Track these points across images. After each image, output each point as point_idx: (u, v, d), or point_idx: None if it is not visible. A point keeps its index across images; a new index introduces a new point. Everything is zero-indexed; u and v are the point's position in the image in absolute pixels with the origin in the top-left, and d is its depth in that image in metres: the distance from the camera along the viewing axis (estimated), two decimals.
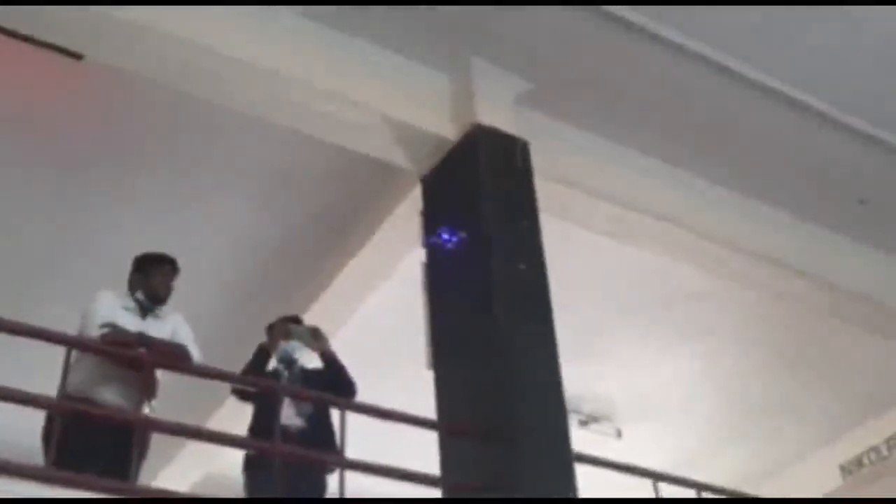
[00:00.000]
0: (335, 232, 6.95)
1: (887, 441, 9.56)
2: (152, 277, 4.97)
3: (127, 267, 5.10)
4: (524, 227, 5.76)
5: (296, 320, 5.62)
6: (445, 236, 5.63)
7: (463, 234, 5.52)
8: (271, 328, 5.53)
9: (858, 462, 9.75)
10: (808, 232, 7.45)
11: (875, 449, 9.64)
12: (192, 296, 5.47)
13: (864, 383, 9.06)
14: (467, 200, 5.84)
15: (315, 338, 5.49)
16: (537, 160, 6.03)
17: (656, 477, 5.46)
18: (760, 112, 6.47)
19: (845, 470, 9.81)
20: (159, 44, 5.34)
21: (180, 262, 5.10)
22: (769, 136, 6.73)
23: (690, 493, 5.61)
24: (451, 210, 5.93)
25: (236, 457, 5.36)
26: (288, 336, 5.49)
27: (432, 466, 5.00)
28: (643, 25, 5.85)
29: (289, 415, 5.05)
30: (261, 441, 4.90)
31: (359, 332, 7.09)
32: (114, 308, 4.76)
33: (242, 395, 5.35)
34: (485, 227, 5.63)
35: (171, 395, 4.95)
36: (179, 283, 5.10)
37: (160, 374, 4.84)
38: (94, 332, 4.60)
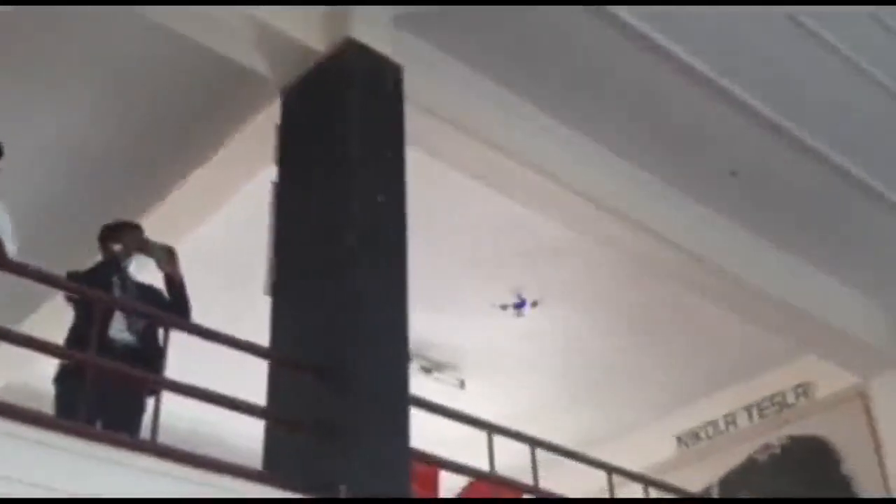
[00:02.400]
0: (178, 140, 6.77)
1: (725, 417, 10.14)
2: None
3: None
4: (388, 158, 5.76)
5: (137, 227, 5.53)
6: None
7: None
8: (112, 233, 5.41)
9: (695, 435, 10.31)
10: (679, 200, 7.73)
11: (713, 423, 10.22)
12: (11, 197, 5.26)
13: (710, 357, 9.55)
14: (329, 120, 5.79)
15: (168, 258, 5.43)
16: (412, 89, 6.01)
17: (491, 429, 5.63)
18: (646, 71, 6.62)
19: (681, 441, 10.37)
20: None
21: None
22: (650, 96, 6.91)
23: (525, 449, 5.82)
24: (310, 128, 5.88)
25: (44, 368, 5.25)
26: (144, 249, 5.40)
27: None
28: None
29: (118, 328, 5.00)
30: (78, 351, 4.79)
31: (196, 252, 6.96)
32: None
33: (71, 301, 5.26)
34: (345, 152, 5.61)
35: None
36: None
37: None
38: None
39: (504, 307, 7.67)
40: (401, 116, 5.94)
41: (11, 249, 4.65)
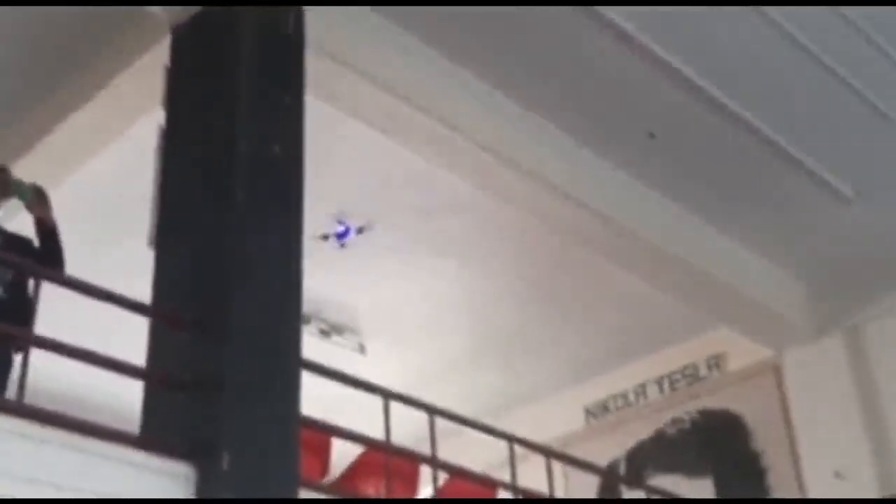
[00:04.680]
0: (60, 78, 6.58)
1: (636, 388, 10.37)
2: None
3: None
4: (285, 104, 5.72)
5: (2, 170, 5.36)
6: None
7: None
8: None
9: (604, 406, 10.53)
10: (591, 159, 7.79)
11: (622, 395, 10.45)
12: None
13: (621, 326, 9.74)
14: (222, 62, 5.71)
15: (38, 200, 5.28)
16: (313, 32, 5.98)
17: (387, 395, 5.68)
18: (563, 23, 6.66)
19: (590, 413, 10.58)
20: None
21: None
22: (567, 50, 6.92)
23: (423, 416, 5.88)
24: (202, 70, 5.79)
25: None
26: (6, 191, 5.25)
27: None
28: None
29: None
30: None
31: (74, 197, 6.82)
32: None
33: None
34: (237, 96, 5.54)
35: None
36: None
37: None
38: None
39: (325, 237, 6.89)
40: (301, 62, 5.89)
41: None
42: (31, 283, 4.98)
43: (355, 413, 5.85)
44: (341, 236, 6.85)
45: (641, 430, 10.24)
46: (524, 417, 9.99)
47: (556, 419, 10.35)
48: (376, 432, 5.60)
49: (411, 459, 5.82)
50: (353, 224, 6.85)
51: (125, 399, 5.90)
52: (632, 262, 8.45)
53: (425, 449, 5.89)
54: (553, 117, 7.50)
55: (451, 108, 6.98)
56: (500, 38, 6.85)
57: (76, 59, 6.49)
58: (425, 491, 6.06)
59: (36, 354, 4.48)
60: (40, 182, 5.43)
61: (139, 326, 5.12)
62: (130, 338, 5.01)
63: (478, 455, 7.00)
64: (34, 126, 6.78)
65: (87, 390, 7.45)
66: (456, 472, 6.00)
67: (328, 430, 5.40)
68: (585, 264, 8.75)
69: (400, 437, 5.78)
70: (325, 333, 9.32)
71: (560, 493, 7.07)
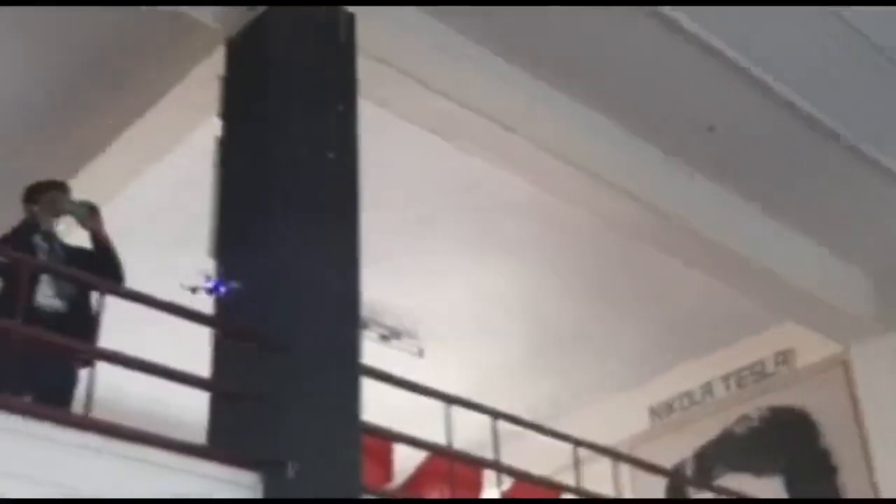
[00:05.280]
0: (115, 91, 6.72)
1: (702, 387, 10.31)
2: None
3: None
4: (339, 111, 5.81)
5: (61, 187, 5.51)
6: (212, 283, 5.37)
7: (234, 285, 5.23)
8: (32, 194, 5.41)
9: (669, 406, 10.48)
10: (651, 155, 7.79)
11: (688, 394, 10.39)
12: None
13: (685, 324, 9.68)
14: (277, 72, 5.82)
15: (91, 217, 5.42)
16: (364, 37, 6.06)
17: (449, 400, 5.73)
18: (613, 20, 6.67)
19: (655, 413, 10.54)
20: None
21: None
22: (620, 45, 6.94)
23: (484, 421, 5.92)
24: (256, 80, 5.89)
25: None
26: (60, 210, 5.39)
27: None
28: None
29: (47, 294, 5.00)
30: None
31: (131, 211, 6.99)
32: None
33: None
34: (292, 105, 5.64)
35: None
36: None
37: None
38: None
39: (194, 290, 5.45)
40: (353, 68, 5.98)
41: None
42: (94, 296, 5.12)
43: (415, 418, 5.90)
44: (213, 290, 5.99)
45: (708, 430, 10.18)
46: (587, 419, 9.97)
47: (620, 420, 10.33)
48: (437, 437, 5.66)
49: (475, 464, 5.86)
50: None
51: (188, 410, 6.04)
52: (694, 259, 8.41)
53: (487, 453, 5.94)
54: (610, 113, 7.51)
55: (506, 108, 7.02)
56: (554, 35, 6.87)
57: (131, 73, 6.62)
58: (489, 495, 6.09)
59: (100, 368, 4.60)
60: (99, 195, 5.57)
61: (197, 338, 5.20)
62: (188, 349, 5.09)
63: (540, 459, 7.01)
64: (92, 140, 6.93)
65: (150, 403, 7.58)
66: (520, 477, 6.03)
67: (391, 437, 5.46)
68: (646, 261, 8.72)
69: (461, 442, 5.82)
70: (384, 338, 9.40)
71: (627, 496, 7.06)
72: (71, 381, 5.01)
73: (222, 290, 5.04)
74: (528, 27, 6.78)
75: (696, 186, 8.08)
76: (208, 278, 5.15)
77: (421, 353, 9.71)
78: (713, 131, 7.75)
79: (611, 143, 7.59)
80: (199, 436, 4.90)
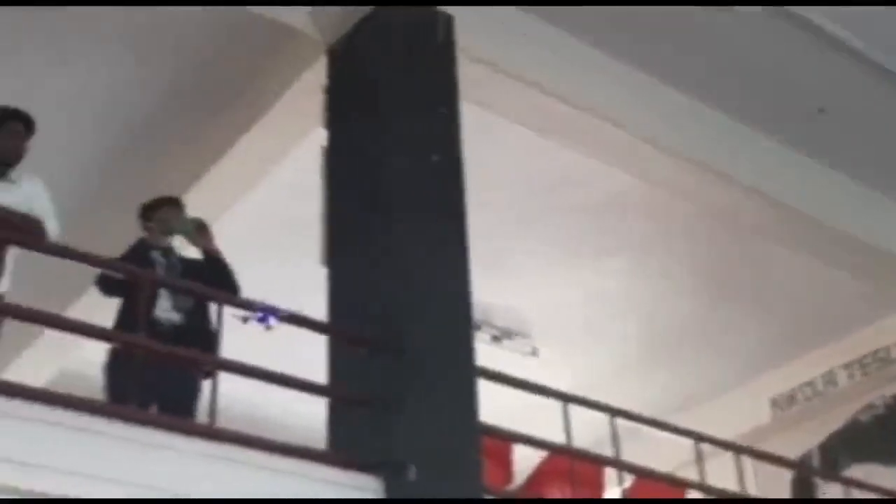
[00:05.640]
0: (221, 106, 6.89)
1: (824, 376, 10.08)
2: None
3: None
4: (441, 114, 5.84)
5: (175, 203, 5.66)
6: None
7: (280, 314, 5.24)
8: (146, 211, 5.57)
9: (791, 397, 10.27)
10: (756, 140, 7.64)
11: (810, 384, 10.17)
12: (48, 172, 5.40)
13: (802, 312, 9.48)
14: (378, 79, 5.88)
15: (199, 233, 5.55)
16: (461, 37, 6.08)
17: (567, 399, 5.71)
18: (714, 7, 6.57)
19: (776, 405, 10.33)
20: None
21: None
22: (723, 29, 6.82)
23: (603, 419, 5.89)
24: (359, 87, 5.97)
25: (93, 354, 5.42)
26: (167, 231, 5.53)
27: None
28: None
29: (164, 308, 5.13)
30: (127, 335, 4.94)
31: (244, 222, 7.13)
32: None
33: (108, 288, 5.37)
34: (396, 112, 5.70)
35: (19, 280, 4.95)
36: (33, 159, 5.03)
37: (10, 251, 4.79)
38: None
39: (245, 320, 5.33)
40: (453, 69, 6.01)
41: (53, 228, 4.79)
42: (210, 308, 5.24)
43: (525, 418, 5.89)
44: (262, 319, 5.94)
45: (832, 420, 9.95)
46: (705, 415, 9.81)
47: (740, 414, 10.15)
48: (552, 437, 5.63)
49: (596, 463, 5.83)
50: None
51: (301, 417, 6.14)
52: (809, 246, 8.23)
53: (605, 452, 5.90)
54: (715, 101, 7.39)
55: (607, 101, 6.96)
56: (653, 25, 6.78)
57: (237, 87, 6.77)
58: (611, 494, 6.05)
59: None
60: (212, 208, 5.68)
61: (308, 346, 5.30)
62: (298, 357, 5.19)
63: (656, 457, 6.91)
64: (201, 156, 7.10)
65: (265, 411, 7.73)
66: (643, 474, 5.98)
67: (510, 437, 5.47)
68: (760, 251, 8.60)
69: (577, 441, 5.79)
70: (495, 339, 9.41)
71: (751, 491, 6.92)
72: (193, 392, 5.13)
73: (271, 321, 5.10)
74: (626, 18, 6.71)
75: (807, 171, 7.90)
76: (258, 309, 5.18)
77: (535, 353, 9.70)
78: (824, 113, 7.57)
79: (717, 131, 7.47)
80: (306, 441, 4.96)
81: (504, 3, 6.49)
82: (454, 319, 5.24)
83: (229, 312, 4.84)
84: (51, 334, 8.08)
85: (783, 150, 7.78)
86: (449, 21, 6.08)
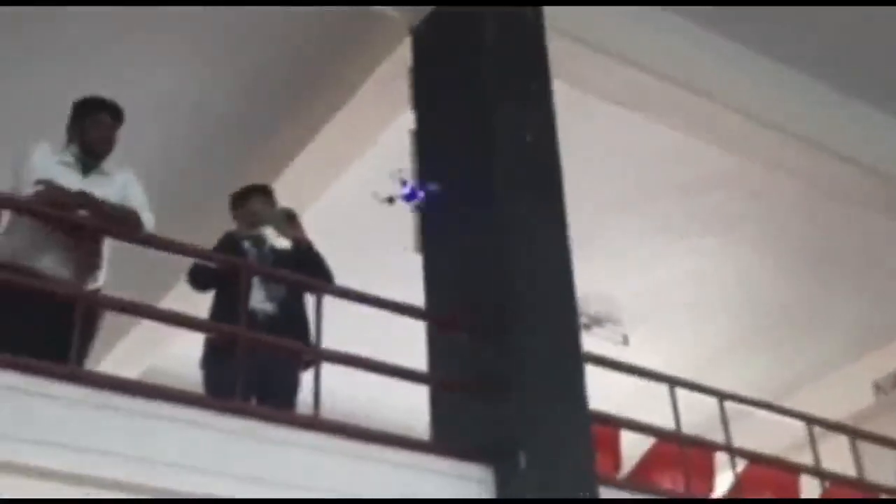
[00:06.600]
0: (304, 93, 6.87)
1: None
2: (87, 127, 4.88)
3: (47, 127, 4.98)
4: (533, 92, 5.74)
5: (265, 191, 5.61)
6: (408, 190, 5.33)
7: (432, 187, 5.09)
8: (236, 201, 5.53)
9: (894, 380, 9.99)
10: (859, 112, 7.46)
11: None
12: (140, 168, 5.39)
13: None
14: (466, 57, 5.80)
15: (289, 223, 5.48)
16: (552, 15, 5.99)
17: (673, 382, 5.58)
18: None
19: (879, 388, 10.05)
20: None
21: None
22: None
23: (712, 402, 5.74)
24: (446, 68, 5.89)
25: (184, 349, 5.40)
26: (256, 223, 5.48)
27: (419, 363, 5.10)
28: None
29: (258, 299, 5.07)
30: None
31: (332, 212, 7.08)
32: (49, 163, 4.68)
33: (199, 282, 5.32)
34: (487, 91, 5.60)
35: (112, 271, 4.92)
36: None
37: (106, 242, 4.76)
38: (28, 191, 4.52)
39: (390, 200, 5.58)
40: (543, 46, 5.90)
41: (148, 219, 4.77)
42: (306, 297, 5.19)
43: (626, 405, 5.77)
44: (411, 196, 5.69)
45: None
46: (806, 398, 9.53)
47: (841, 397, 9.87)
48: (653, 423, 5.49)
49: (706, 448, 5.68)
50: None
51: (400, 407, 6.08)
52: None
53: (711, 436, 5.76)
54: (814, 71, 7.24)
55: (702, 75, 6.83)
56: None
57: (320, 75, 6.76)
58: (723, 479, 5.90)
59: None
60: (302, 197, 5.62)
61: (402, 332, 5.25)
62: (394, 345, 5.12)
63: (763, 440, 6.75)
64: (288, 144, 7.11)
65: (365, 401, 7.68)
66: (755, 458, 5.81)
67: (619, 424, 5.35)
68: (864, 226, 8.36)
69: (683, 426, 5.64)
70: (585, 327, 9.24)
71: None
72: (294, 384, 5.07)
73: (421, 194, 4.91)
74: None
75: None
76: (404, 183, 5.03)
77: (625, 341, 9.54)
78: None
79: (818, 103, 7.30)
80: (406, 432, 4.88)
81: None
82: (558, 304, 5.13)
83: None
84: (137, 332, 8.15)
85: (885, 118, 7.58)
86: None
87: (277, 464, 4.16)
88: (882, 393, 10.06)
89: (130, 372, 8.40)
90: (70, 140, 4.92)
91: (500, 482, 4.54)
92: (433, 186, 4.98)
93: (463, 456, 4.58)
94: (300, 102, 6.92)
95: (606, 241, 8.46)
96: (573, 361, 4.97)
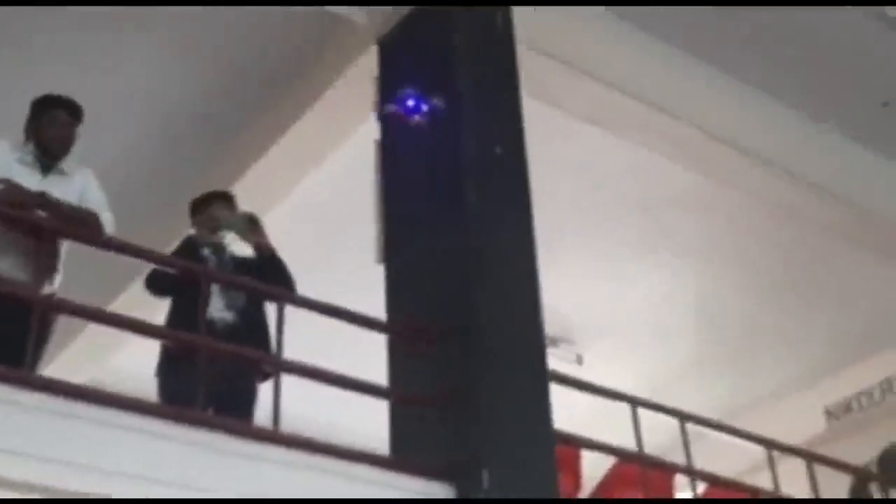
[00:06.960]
0: (269, 97, 6.81)
1: (881, 384, 9.86)
2: (44, 125, 4.77)
3: (12, 125, 4.88)
4: (502, 104, 5.69)
5: (226, 197, 5.50)
6: (411, 102, 5.39)
7: (436, 101, 5.21)
8: (196, 206, 5.42)
9: (846, 406, 10.05)
10: (825, 137, 7.54)
11: (867, 392, 9.94)
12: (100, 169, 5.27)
13: (861, 317, 9.31)
14: (434, 68, 5.74)
15: (251, 228, 5.37)
16: (522, 29, 5.94)
17: (636, 402, 5.54)
18: None
19: (831, 414, 10.11)
20: None
21: None
22: (783, 19, 6.70)
23: (672, 423, 5.72)
24: (413, 78, 5.82)
25: (137, 353, 5.27)
26: (217, 228, 5.37)
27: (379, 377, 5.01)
28: None
29: (217, 307, 4.97)
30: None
31: (293, 217, 6.99)
32: (7, 161, 4.57)
33: (158, 288, 5.20)
34: (454, 102, 5.54)
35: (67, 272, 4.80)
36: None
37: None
38: None
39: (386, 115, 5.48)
40: (513, 58, 5.87)
41: (108, 220, 4.65)
42: (266, 306, 5.09)
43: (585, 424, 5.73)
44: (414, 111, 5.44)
45: (891, 431, 9.71)
46: (758, 422, 9.57)
47: (793, 422, 9.88)
48: (612, 443, 5.45)
49: (667, 470, 5.64)
50: None
51: (358, 420, 5.99)
52: (875, 247, 8.10)
53: (670, 456, 5.73)
54: (777, 94, 7.31)
55: (668, 93, 6.87)
56: (713, 14, 6.65)
57: (287, 78, 6.70)
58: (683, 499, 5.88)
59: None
60: (263, 200, 5.53)
61: (361, 345, 5.17)
62: (360, 356, 5.03)
63: (720, 462, 6.74)
64: (249, 147, 7.04)
65: (321, 413, 7.56)
66: (715, 482, 5.79)
67: (583, 444, 5.28)
68: (822, 251, 8.42)
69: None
70: None
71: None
72: (252, 395, 4.97)
73: (424, 108, 4.80)
74: (688, 9, 6.58)
75: (873, 168, 7.79)
76: (405, 97, 4.92)
77: (579, 360, 9.51)
78: (888, 106, 7.44)
79: (780, 125, 7.39)
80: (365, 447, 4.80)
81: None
82: (524, 320, 5.07)
83: None
84: (84, 340, 7.96)
85: (847, 144, 7.67)
86: (507, 9, 5.93)
87: (237, 477, 4.05)
88: (834, 419, 10.13)
89: (85, 373, 8.24)
90: (27, 138, 4.80)
91: (462, 501, 4.46)
92: (436, 102, 4.89)
93: (425, 473, 4.49)
94: (264, 107, 6.86)
95: (562, 258, 8.41)
96: (538, 379, 4.92)
